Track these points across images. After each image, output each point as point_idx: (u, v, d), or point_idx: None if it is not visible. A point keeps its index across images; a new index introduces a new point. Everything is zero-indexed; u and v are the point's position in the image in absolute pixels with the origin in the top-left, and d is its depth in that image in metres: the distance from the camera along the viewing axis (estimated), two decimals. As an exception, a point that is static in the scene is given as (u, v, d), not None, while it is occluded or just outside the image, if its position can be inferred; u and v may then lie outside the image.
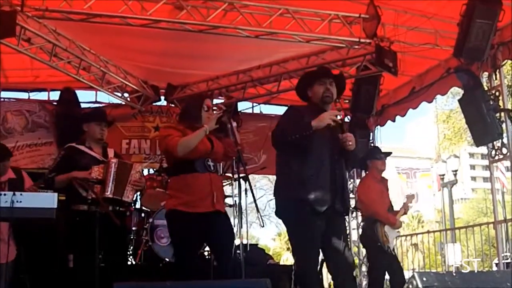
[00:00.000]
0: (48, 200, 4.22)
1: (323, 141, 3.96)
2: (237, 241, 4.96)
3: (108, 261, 4.65)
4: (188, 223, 4.11)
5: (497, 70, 6.83)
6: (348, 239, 4.01)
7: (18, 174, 5.14)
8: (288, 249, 36.48)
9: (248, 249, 6.87)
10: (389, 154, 6.61)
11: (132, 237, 6.62)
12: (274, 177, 4.18)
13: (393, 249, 6.34)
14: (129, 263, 6.54)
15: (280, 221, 4.19)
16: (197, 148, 4.16)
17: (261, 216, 4.28)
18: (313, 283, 3.88)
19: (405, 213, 6.61)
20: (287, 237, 33.77)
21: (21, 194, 4.17)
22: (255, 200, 4.46)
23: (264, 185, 28.72)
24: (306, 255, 3.92)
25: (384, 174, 6.49)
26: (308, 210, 3.86)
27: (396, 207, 6.65)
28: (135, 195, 5.05)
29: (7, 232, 4.55)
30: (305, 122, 3.87)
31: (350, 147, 3.94)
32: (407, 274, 7.25)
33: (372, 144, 9.09)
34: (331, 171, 3.95)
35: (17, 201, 4.09)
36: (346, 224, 4.13)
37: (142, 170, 4.99)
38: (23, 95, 8.65)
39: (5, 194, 4.11)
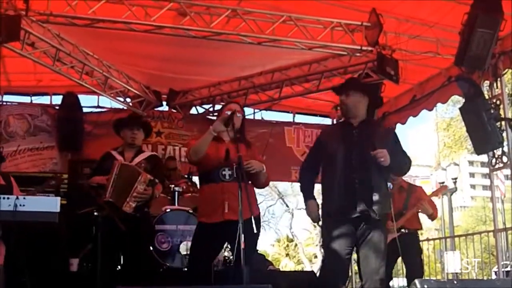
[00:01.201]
0: (51, 204, 4.24)
1: (337, 152, 4.18)
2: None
3: (126, 264, 4.69)
4: (202, 232, 4.25)
5: (498, 79, 6.85)
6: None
7: (7, 180, 5.14)
8: (287, 255, 36.46)
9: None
10: None
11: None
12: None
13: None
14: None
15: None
16: (209, 158, 4.22)
17: (254, 221, 4.30)
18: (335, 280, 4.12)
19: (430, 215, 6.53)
20: (286, 243, 33.69)
21: (24, 198, 4.19)
22: (250, 206, 4.44)
23: (263, 191, 28.68)
24: (329, 262, 4.23)
25: None
26: (332, 219, 4.18)
27: None
28: (137, 206, 4.94)
29: None
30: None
31: (383, 163, 4.05)
32: (406, 281, 7.19)
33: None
34: (346, 178, 4.11)
35: (20, 205, 4.11)
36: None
37: (150, 181, 4.89)
38: (26, 99, 8.68)
39: (8, 198, 4.14)
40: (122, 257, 4.95)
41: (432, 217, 6.53)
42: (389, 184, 5.11)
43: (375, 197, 4.10)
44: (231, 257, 6.40)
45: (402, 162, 4.33)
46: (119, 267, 5.15)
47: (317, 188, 4.46)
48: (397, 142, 4.34)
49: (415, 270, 6.21)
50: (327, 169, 4.30)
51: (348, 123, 4.35)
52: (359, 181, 4.10)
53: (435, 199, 7.73)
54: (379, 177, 4.17)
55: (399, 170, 4.44)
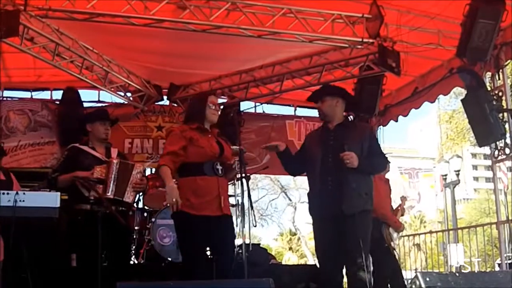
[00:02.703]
0: (51, 199, 4.23)
1: (316, 156, 4.44)
2: (239, 241, 4.98)
3: (111, 261, 4.66)
4: (195, 225, 4.18)
5: (500, 70, 6.83)
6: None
7: (7, 176, 5.13)
8: (290, 248, 36.51)
9: (251, 249, 6.86)
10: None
11: (134, 237, 6.62)
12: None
13: (394, 249, 6.32)
14: (131, 262, 6.54)
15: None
16: (205, 152, 4.23)
17: (254, 215, 4.35)
18: (325, 281, 4.43)
19: (402, 214, 6.62)
20: (289, 237, 33.84)
21: (24, 193, 4.18)
22: (250, 200, 4.44)
23: (266, 185, 28.74)
24: (318, 256, 4.52)
25: (387, 175, 6.48)
26: (314, 219, 4.51)
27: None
28: (136, 196, 5.05)
29: None
30: None
31: (349, 165, 4.23)
32: (409, 274, 7.20)
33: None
34: (322, 181, 4.36)
35: (20, 200, 4.10)
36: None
37: (144, 170, 5.00)
38: (26, 95, 8.66)
39: (8, 193, 4.12)
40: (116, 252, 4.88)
41: None
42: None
43: (350, 196, 4.25)
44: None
45: (375, 163, 4.51)
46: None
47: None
48: (372, 143, 4.49)
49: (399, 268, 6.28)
50: (309, 173, 4.55)
51: (326, 127, 4.59)
52: (333, 182, 4.31)
53: (438, 191, 7.75)
54: (357, 177, 4.29)
55: (371, 170, 4.54)
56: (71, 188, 4.70)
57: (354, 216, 4.17)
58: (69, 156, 4.87)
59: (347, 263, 4.27)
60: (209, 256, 6.42)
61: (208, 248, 4.36)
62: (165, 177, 4.20)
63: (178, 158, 4.23)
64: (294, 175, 5.05)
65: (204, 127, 4.34)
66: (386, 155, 4.64)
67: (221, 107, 7.84)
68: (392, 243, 6.18)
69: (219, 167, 4.25)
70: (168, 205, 6.48)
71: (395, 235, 6.25)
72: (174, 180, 4.24)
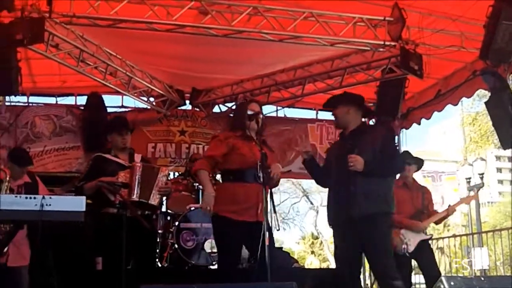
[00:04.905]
0: (77, 203, 4.28)
1: (332, 163, 4.58)
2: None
3: (136, 264, 4.71)
4: (232, 229, 4.33)
5: (524, 72, 6.75)
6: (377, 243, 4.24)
7: (33, 179, 5.23)
8: (312, 252, 36.38)
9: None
10: (420, 161, 6.50)
11: (158, 240, 6.67)
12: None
13: (412, 252, 6.16)
14: (155, 266, 6.60)
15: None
16: (245, 158, 4.34)
17: (277, 219, 4.38)
18: (343, 282, 4.45)
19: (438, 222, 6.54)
20: (311, 241, 33.65)
21: (50, 198, 4.24)
22: (273, 203, 4.45)
23: (288, 188, 28.69)
24: (336, 258, 4.59)
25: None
26: (331, 226, 4.63)
27: None
28: (161, 199, 5.13)
29: (22, 236, 4.64)
30: None
31: (353, 168, 4.29)
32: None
33: (397, 147, 9.01)
34: (338, 186, 4.45)
35: (46, 204, 4.16)
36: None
37: (168, 174, 5.08)
38: (51, 100, 8.80)
39: (34, 198, 4.19)
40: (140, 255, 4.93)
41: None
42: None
43: (357, 199, 4.31)
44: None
45: (386, 166, 4.47)
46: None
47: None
48: (385, 146, 4.49)
49: (431, 269, 6.15)
50: (328, 180, 4.68)
51: (343, 134, 4.69)
52: (347, 187, 4.35)
53: (461, 195, 7.67)
54: (367, 180, 4.33)
55: (382, 173, 4.49)
56: (97, 194, 4.76)
57: (366, 220, 4.23)
58: (93, 165, 4.95)
59: (376, 274, 4.34)
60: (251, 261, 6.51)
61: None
62: (204, 182, 4.39)
63: (216, 163, 4.43)
64: (324, 187, 5.05)
65: (248, 135, 4.46)
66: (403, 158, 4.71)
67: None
68: (403, 244, 6.05)
69: (261, 174, 4.29)
70: (193, 208, 6.60)
71: (414, 236, 6.11)
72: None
